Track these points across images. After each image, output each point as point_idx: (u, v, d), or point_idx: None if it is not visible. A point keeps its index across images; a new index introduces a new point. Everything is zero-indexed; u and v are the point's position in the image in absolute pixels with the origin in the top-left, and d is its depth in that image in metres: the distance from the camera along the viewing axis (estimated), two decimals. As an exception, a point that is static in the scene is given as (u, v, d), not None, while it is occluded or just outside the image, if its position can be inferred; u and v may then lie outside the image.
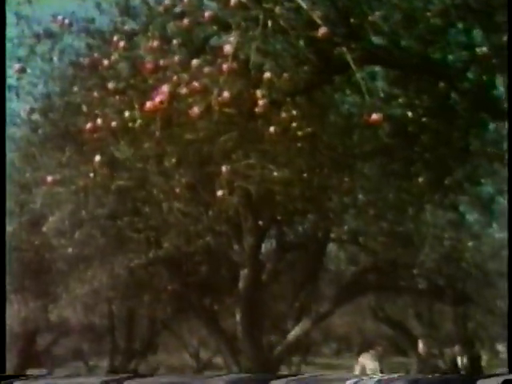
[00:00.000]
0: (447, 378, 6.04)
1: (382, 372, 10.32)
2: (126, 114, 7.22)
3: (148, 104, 5.87)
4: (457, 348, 9.98)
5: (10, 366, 16.94)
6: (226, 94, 5.21)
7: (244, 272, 11.58)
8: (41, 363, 29.24)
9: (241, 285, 11.64)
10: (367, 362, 10.66)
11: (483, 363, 34.43)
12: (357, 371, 10.73)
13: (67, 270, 11.17)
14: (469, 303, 15.04)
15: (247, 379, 5.23)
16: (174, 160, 8.08)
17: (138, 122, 7.72)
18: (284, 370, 19.88)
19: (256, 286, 11.74)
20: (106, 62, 5.86)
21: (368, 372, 10.60)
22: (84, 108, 7.05)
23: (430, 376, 5.81)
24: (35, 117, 8.70)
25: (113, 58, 5.81)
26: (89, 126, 6.70)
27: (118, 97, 6.00)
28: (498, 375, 5.99)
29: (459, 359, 9.71)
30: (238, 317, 11.79)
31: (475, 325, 21.04)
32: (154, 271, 11.74)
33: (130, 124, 7.80)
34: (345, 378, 5.66)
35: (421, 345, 10.33)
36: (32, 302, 12.60)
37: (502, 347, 35.70)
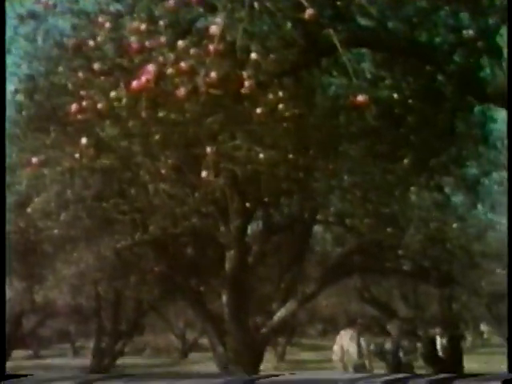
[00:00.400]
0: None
1: (360, 353, 10.35)
2: (112, 94, 7.19)
3: (134, 83, 5.84)
4: (437, 329, 10.04)
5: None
6: (212, 75, 5.19)
7: (230, 254, 11.59)
8: (27, 345, 29.34)
9: (227, 266, 11.65)
10: (345, 342, 10.68)
11: (467, 344, 34.74)
12: (335, 352, 10.74)
13: (53, 252, 11.15)
14: (454, 285, 15.16)
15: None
16: (159, 141, 8.06)
17: (124, 101, 7.70)
18: (270, 351, 20.01)
19: (242, 268, 11.77)
20: (91, 42, 5.82)
21: (347, 349, 10.63)
22: (69, 89, 7.00)
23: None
24: (20, 98, 8.64)
25: (98, 39, 5.76)
26: (74, 107, 6.66)
27: (103, 78, 5.95)
28: (498, 375, 6.06)
29: (438, 340, 9.77)
30: (224, 298, 11.82)
31: (460, 306, 21.24)
32: (140, 253, 11.73)
33: (116, 103, 7.78)
34: (335, 379, 5.70)
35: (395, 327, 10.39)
36: (18, 283, 12.59)
37: (485, 328, 36.05)
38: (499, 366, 19.30)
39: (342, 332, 11.10)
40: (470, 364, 22.77)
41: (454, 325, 21.62)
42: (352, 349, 10.62)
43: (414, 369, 10.21)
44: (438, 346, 9.73)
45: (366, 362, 10.59)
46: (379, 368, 10.53)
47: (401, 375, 5.89)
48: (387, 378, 4.97)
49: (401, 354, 10.28)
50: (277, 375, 5.34)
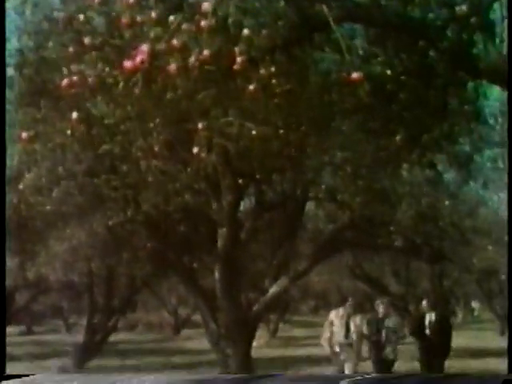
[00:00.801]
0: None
1: (347, 330, 10.31)
2: (105, 71, 7.15)
3: (128, 64, 5.80)
4: (424, 304, 10.02)
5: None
6: (205, 51, 5.18)
7: (223, 230, 11.61)
8: (20, 320, 29.42)
9: (219, 243, 11.67)
10: (335, 319, 10.66)
11: (458, 320, 34.98)
12: (325, 329, 10.71)
13: (45, 228, 11.13)
14: (445, 261, 15.24)
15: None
16: (153, 118, 8.03)
17: (118, 81, 7.66)
18: (262, 328, 20.14)
19: (234, 245, 11.79)
20: (81, 17, 5.78)
21: (335, 330, 10.60)
22: (60, 63, 6.95)
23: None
24: (9, 72, 8.57)
25: (88, 13, 5.73)
26: (65, 82, 6.61)
27: (94, 53, 5.91)
28: (498, 375, 6.12)
29: (427, 317, 9.76)
30: (216, 275, 11.85)
31: (451, 282, 21.38)
32: (132, 229, 11.73)
33: (109, 80, 7.74)
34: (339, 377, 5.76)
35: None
36: (10, 259, 12.58)
37: (476, 304, 36.31)
38: (490, 342, 19.52)
39: (333, 311, 11.05)
40: (460, 340, 23.05)
41: (445, 301, 21.81)
42: (340, 328, 10.51)
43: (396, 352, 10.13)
44: (427, 322, 9.71)
45: (354, 343, 10.51)
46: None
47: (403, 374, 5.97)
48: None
49: (385, 334, 10.17)
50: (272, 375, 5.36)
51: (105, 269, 14.61)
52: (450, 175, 10.90)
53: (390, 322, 10.13)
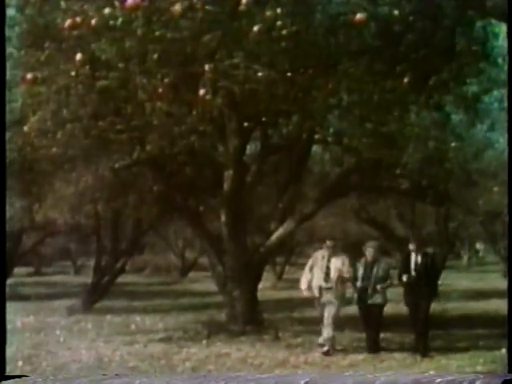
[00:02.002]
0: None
1: (327, 273, 9.83)
2: (106, 11, 7.07)
3: (129, 1, 5.73)
4: (411, 246, 9.70)
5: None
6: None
7: (228, 173, 11.61)
8: (28, 262, 29.78)
9: (225, 186, 11.68)
10: (315, 262, 10.22)
11: (463, 262, 35.13)
12: (305, 273, 10.22)
13: (52, 171, 11.14)
14: (450, 203, 15.24)
15: None
16: (156, 59, 7.96)
17: (120, 20, 7.57)
18: (268, 271, 20.31)
19: (240, 188, 11.80)
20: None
21: (314, 273, 10.09)
22: (62, 4, 6.87)
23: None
24: (11, 12, 8.46)
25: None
26: (68, 22, 6.56)
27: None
28: (498, 375, 6.15)
29: (413, 258, 9.54)
30: (222, 218, 11.90)
31: (456, 225, 21.45)
32: (138, 172, 11.74)
33: (111, 22, 7.65)
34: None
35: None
36: (17, 201, 12.64)
37: (481, 246, 36.47)
38: (494, 283, 19.68)
39: (314, 254, 10.31)
40: (465, 282, 23.25)
41: (450, 243, 21.91)
42: (319, 271, 9.88)
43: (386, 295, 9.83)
44: (412, 264, 9.47)
45: (334, 287, 9.81)
46: (349, 293, 10.17)
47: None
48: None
49: (373, 278, 9.87)
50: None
51: (111, 211, 14.66)
52: (457, 117, 10.82)
53: (380, 267, 9.73)
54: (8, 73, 8.33)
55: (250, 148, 13.17)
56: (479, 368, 8.17)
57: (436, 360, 8.86)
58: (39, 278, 28.86)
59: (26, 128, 9.01)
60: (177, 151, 10.31)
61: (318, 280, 9.81)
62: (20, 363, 8.90)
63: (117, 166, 9.93)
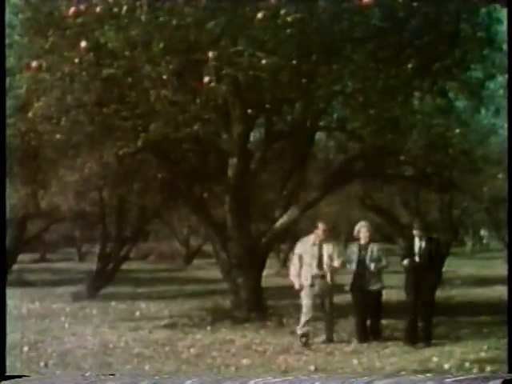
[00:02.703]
0: None
1: (319, 260, 9.31)
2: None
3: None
4: (415, 231, 9.07)
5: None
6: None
7: (233, 160, 11.61)
8: (33, 248, 29.88)
9: (230, 173, 11.69)
10: (304, 249, 9.62)
11: (467, 249, 35.08)
12: (294, 262, 9.69)
13: (56, 157, 11.15)
14: (455, 190, 15.22)
15: None
16: (160, 46, 7.96)
17: (124, 7, 7.58)
18: (272, 258, 20.36)
19: (245, 175, 11.80)
20: None
21: (305, 260, 9.52)
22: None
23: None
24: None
25: None
26: (72, 10, 6.56)
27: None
28: (497, 375, 6.16)
29: (417, 243, 9.01)
30: (226, 205, 11.91)
31: (460, 211, 21.42)
32: (142, 159, 11.74)
33: (115, 9, 7.66)
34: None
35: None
36: (22, 188, 12.66)
37: (485, 233, 36.43)
38: (498, 270, 19.67)
39: (300, 241, 9.74)
40: (468, 269, 23.27)
41: (454, 230, 21.89)
42: (310, 259, 9.35)
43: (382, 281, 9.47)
44: (416, 249, 8.96)
45: (328, 275, 9.32)
46: (345, 280, 9.80)
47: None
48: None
49: (368, 262, 9.43)
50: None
51: (116, 198, 14.69)
52: (461, 103, 10.79)
53: (373, 249, 9.29)
54: (12, 60, 8.34)
55: (254, 135, 13.16)
56: (483, 354, 8.21)
57: (440, 346, 8.89)
58: (44, 265, 28.97)
59: (30, 114, 9.02)
60: (181, 138, 10.31)
61: (310, 268, 9.36)
62: (25, 349, 8.96)
63: (121, 153, 9.91)
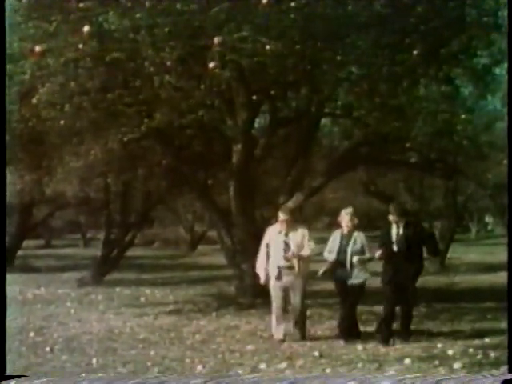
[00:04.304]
0: None
1: (285, 250, 8.77)
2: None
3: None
4: (390, 217, 8.18)
5: (9, 238, 17.35)
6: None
7: (237, 147, 11.59)
8: (38, 234, 29.97)
9: (234, 159, 11.67)
10: (271, 238, 8.53)
11: (472, 235, 35.01)
12: (260, 253, 8.72)
13: (61, 144, 11.15)
14: (460, 176, 15.18)
15: None
16: (164, 32, 7.93)
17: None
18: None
19: (249, 161, 11.78)
20: None
21: (271, 251, 8.55)
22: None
23: None
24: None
25: None
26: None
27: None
28: (497, 375, 6.14)
29: (394, 230, 8.22)
30: (231, 191, 11.90)
31: (465, 198, 21.38)
32: (147, 146, 11.73)
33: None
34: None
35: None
36: (27, 174, 12.67)
37: (490, 219, 36.35)
38: (502, 256, 19.66)
39: (268, 229, 8.96)
40: (473, 255, 23.24)
41: (459, 216, 21.81)
42: (276, 249, 8.55)
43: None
44: (393, 237, 8.22)
45: (296, 266, 8.46)
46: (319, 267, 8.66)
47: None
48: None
49: (350, 253, 8.23)
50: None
51: (121, 185, 14.71)
52: (467, 89, 10.74)
53: (357, 240, 8.32)
54: (15, 44, 8.30)
55: (259, 121, 13.13)
56: (487, 341, 8.20)
57: (444, 333, 8.88)
58: (49, 251, 29.06)
59: (34, 100, 9.01)
60: (185, 124, 10.29)
61: (275, 259, 8.54)
62: (32, 334, 9.01)
63: (125, 139, 9.90)
